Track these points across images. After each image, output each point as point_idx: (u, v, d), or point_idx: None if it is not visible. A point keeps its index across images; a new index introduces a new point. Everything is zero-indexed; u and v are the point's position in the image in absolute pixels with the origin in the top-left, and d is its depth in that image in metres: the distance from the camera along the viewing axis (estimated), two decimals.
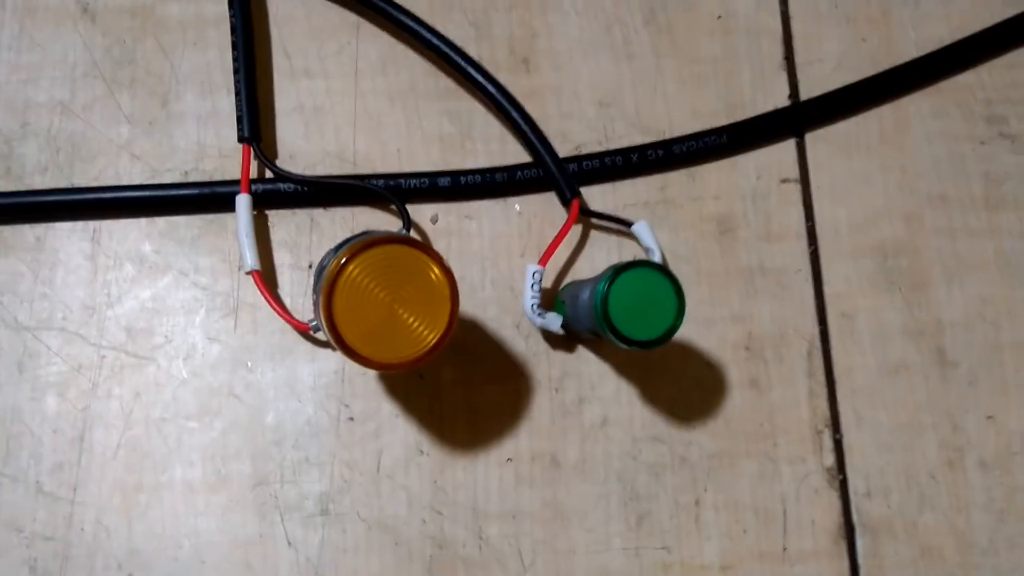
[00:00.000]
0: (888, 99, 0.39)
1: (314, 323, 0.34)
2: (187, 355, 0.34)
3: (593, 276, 0.32)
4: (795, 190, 0.37)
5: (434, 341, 0.28)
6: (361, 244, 0.27)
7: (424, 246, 0.28)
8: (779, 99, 0.38)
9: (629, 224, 0.36)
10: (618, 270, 0.29)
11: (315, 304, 0.30)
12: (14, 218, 0.36)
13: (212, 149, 0.37)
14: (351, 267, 0.28)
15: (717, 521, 0.34)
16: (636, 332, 0.29)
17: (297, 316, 0.34)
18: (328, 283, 0.27)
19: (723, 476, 0.34)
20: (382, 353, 0.28)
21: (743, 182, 0.37)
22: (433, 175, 0.36)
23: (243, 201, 0.35)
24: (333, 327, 0.27)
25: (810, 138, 0.38)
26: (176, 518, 0.33)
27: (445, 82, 0.38)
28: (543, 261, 0.34)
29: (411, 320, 0.28)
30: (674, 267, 0.36)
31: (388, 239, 0.28)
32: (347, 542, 0.33)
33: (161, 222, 0.36)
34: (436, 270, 0.28)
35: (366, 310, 0.28)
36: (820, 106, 0.38)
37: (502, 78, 0.37)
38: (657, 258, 0.35)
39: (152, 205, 0.36)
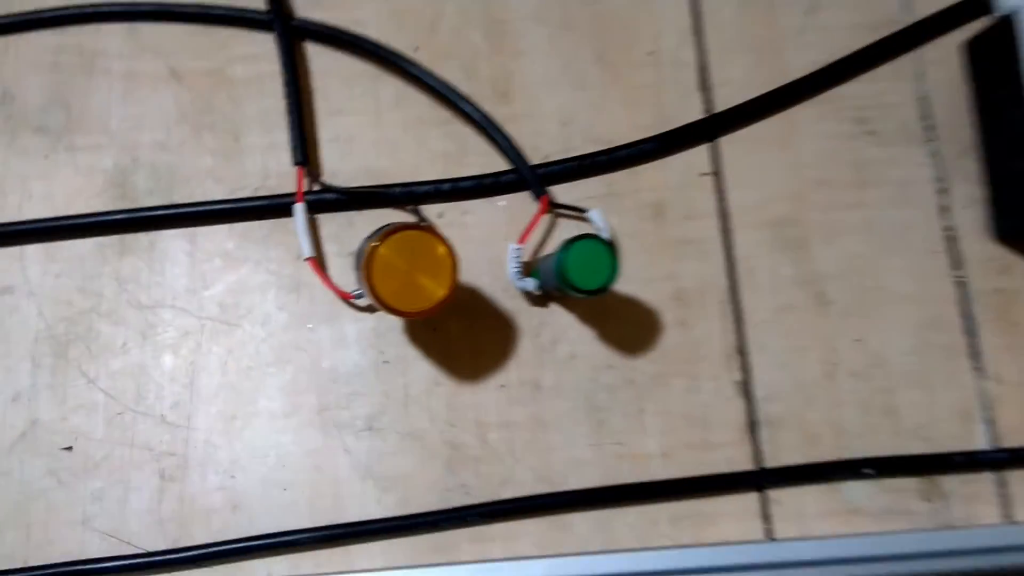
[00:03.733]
0: (781, 109, 0.56)
1: (356, 291, 0.51)
2: (264, 321, 0.52)
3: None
4: (711, 181, 0.54)
5: (443, 295, 0.45)
6: (389, 230, 0.45)
7: (432, 230, 0.45)
8: (697, 113, 0.55)
9: (585, 211, 0.53)
10: (571, 241, 0.46)
11: (358, 276, 0.47)
12: (132, 228, 0.54)
13: (274, 172, 0.54)
14: (382, 247, 0.45)
15: (656, 423, 0.51)
16: (585, 284, 0.46)
17: (343, 289, 0.51)
18: (368, 258, 0.44)
19: (660, 392, 0.51)
20: (407, 305, 0.45)
21: (671, 177, 0.54)
22: (438, 182, 0.54)
23: (300, 208, 0.53)
24: (372, 288, 0.44)
25: (723, 141, 0.55)
26: (263, 436, 0.50)
27: (444, 114, 0.55)
28: (521, 241, 0.51)
29: (425, 282, 0.45)
30: (620, 242, 0.53)
31: (407, 227, 0.45)
32: (387, 448, 0.50)
33: (240, 227, 0.53)
34: (441, 246, 0.45)
35: (394, 276, 0.45)
36: (729, 116, 0.55)
37: (487, 108, 0.55)
38: (607, 236, 0.52)
39: (233, 214, 0.54)
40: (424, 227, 0.44)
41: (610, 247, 0.45)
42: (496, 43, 0.55)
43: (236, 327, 0.51)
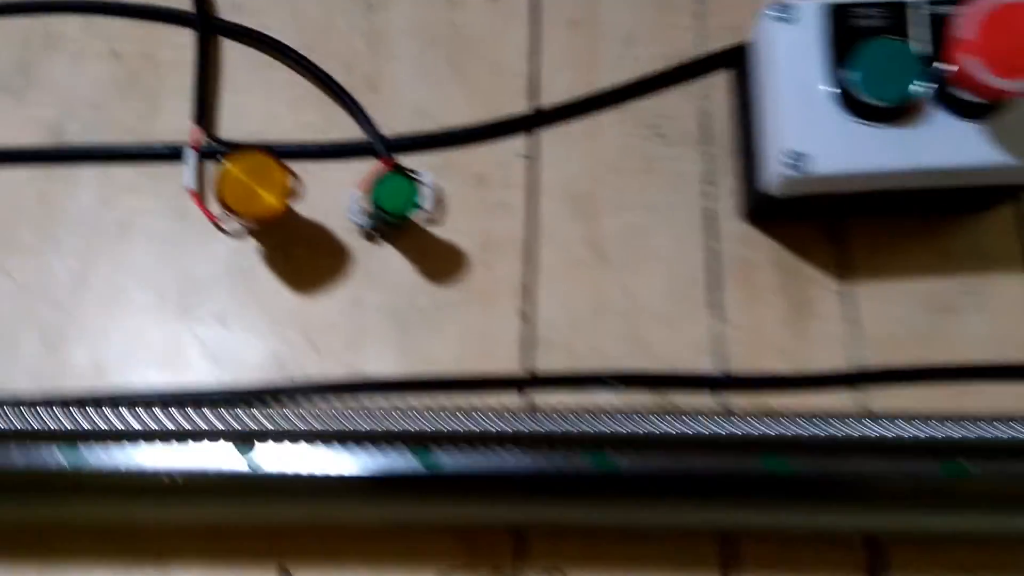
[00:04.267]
0: (591, 113, 0.70)
1: (222, 216, 0.64)
2: (151, 238, 0.65)
3: None
4: (526, 162, 0.68)
5: (280, 206, 0.59)
6: (237, 153, 0.58)
7: (272, 154, 0.59)
8: (523, 109, 0.70)
9: (419, 173, 0.67)
10: (381, 176, 0.60)
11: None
12: (58, 161, 0.68)
13: (181, 131, 0.68)
14: (231, 165, 0.59)
15: (454, 337, 0.63)
16: (392, 207, 0.59)
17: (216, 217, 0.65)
18: (220, 173, 0.58)
19: (461, 314, 0.63)
20: (251, 211, 0.59)
21: (496, 156, 0.68)
22: (305, 144, 0.68)
23: (191, 152, 0.67)
24: (219, 195, 0.58)
25: (542, 133, 0.69)
26: (132, 320, 0.63)
27: (324, 98, 0.70)
28: (360, 187, 0.65)
29: (266, 195, 0.59)
30: (447, 200, 0.66)
31: (254, 150, 0.59)
32: (231, 339, 0.62)
33: (144, 167, 0.67)
34: (278, 167, 0.59)
35: (238, 187, 0.58)
36: (548, 114, 0.69)
37: (358, 96, 0.69)
38: (430, 192, 0.66)
39: (139, 156, 0.68)
40: (266, 151, 0.58)
41: (410, 180, 0.58)
42: (374, 49, 0.70)
43: (129, 241, 0.64)
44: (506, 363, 0.61)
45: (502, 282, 0.63)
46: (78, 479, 0.52)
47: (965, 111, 0.55)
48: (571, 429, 0.52)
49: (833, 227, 0.64)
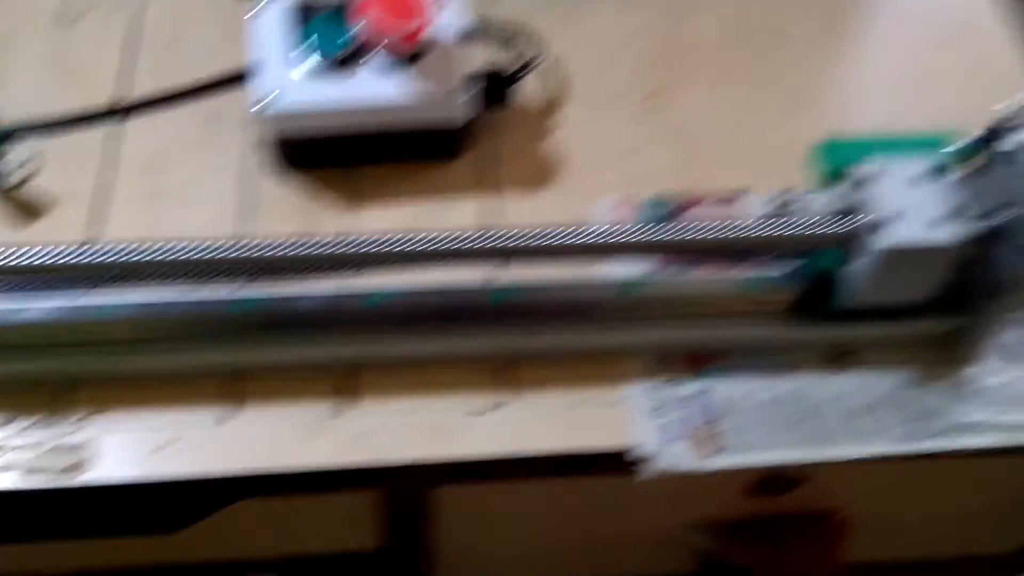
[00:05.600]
0: (163, 107, 0.91)
1: None
2: None
3: None
4: (105, 142, 0.88)
5: None
6: None
7: None
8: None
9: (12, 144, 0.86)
10: None
11: None
12: None
13: None
14: None
15: None
16: None
17: None
18: None
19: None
20: None
21: (85, 137, 0.88)
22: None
23: None
24: None
25: (128, 122, 0.90)
26: None
27: None
28: None
29: None
30: (45, 168, 0.85)
31: None
32: None
33: None
34: None
35: None
36: (127, 109, 0.90)
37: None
38: (21, 159, 0.85)
39: None
40: None
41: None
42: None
43: None
44: None
45: (74, 219, 0.82)
46: None
47: (395, 63, 0.79)
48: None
49: (347, 173, 0.87)
